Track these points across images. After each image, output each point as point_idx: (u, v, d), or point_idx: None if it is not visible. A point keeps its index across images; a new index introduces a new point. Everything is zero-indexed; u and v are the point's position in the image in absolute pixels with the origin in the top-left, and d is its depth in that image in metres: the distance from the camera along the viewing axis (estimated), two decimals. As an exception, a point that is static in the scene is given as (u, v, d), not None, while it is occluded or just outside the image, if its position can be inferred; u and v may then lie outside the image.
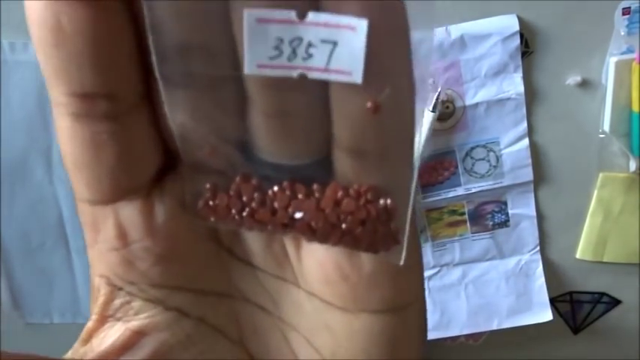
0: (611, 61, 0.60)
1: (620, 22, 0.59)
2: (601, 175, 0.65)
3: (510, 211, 0.67)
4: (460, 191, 0.66)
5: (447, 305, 0.71)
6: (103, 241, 0.19)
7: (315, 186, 0.17)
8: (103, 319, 0.19)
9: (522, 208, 0.67)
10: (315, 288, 0.19)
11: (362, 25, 0.14)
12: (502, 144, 0.64)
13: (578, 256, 0.69)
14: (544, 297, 0.70)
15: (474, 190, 0.66)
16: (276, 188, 0.17)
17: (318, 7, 0.15)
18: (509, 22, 0.59)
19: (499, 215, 0.67)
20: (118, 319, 0.19)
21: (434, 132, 0.62)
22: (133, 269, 0.19)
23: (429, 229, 0.68)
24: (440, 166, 0.65)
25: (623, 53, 0.60)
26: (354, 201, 0.17)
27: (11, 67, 0.62)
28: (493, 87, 0.61)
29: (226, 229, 0.19)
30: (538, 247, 0.68)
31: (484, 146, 0.64)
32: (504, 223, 0.67)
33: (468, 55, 0.60)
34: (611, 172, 0.65)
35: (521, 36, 0.59)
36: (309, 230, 0.18)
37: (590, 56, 0.61)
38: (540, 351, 0.75)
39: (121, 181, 0.18)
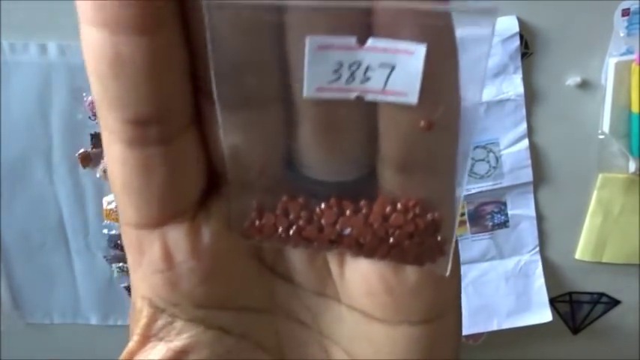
0: (611, 62, 0.60)
1: (620, 24, 0.59)
2: (600, 175, 0.65)
3: (510, 212, 0.67)
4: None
5: (447, 305, 0.71)
6: (148, 263, 0.19)
7: (362, 202, 0.18)
8: (145, 340, 0.20)
9: (522, 209, 0.67)
10: (358, 301, 0.20)
11: (420, 49, 0.15)
12: (502, 145, 0.64)
13: (577, 256, 0.69)
14: (544, 297, 0.70)
15: (473, 191, 0.66)
16: (323, 205, 0.18)
17: (376, 32, 0.15)
18: (509, 24, 0.59)
19: (499, 216, 0.67)
20: (160, 340, 0.20)
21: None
22: (177, 291, 0.19)
23: (428, 229, 0.68)
24: (440, 167, 0.65)
25: (622, 54, 0.60)
26: (403, 215, 0.17)
27: (11, 68, 0.62)
28: (493, 88, 0.61)
29: (270, 248, 0.20)
30: (538, 248, 0.68)
31: (484, 147, 0.64)
32: (504, 224, 0.68)
33: (468, 56, 0.60)
34: (610, 172, 0.65)
35: (521, 37, 0.59)
36: (357, 245, 0.18)
37: (590, 57, 0.61)
38: (540, 351, 0.75)
39: (170, 205, 0.18)
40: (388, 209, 0.17)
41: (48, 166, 0.66)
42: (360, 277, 0.19)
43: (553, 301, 0.72)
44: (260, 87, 0.16)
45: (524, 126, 0.63)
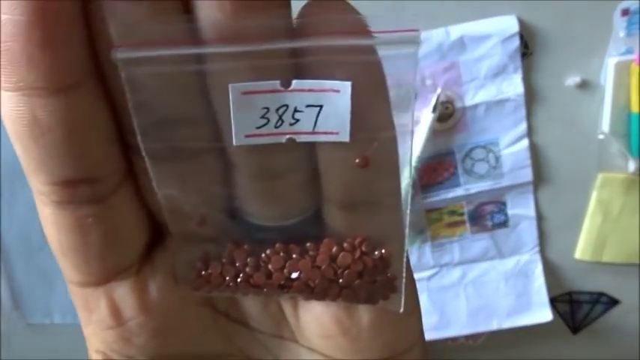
0: (611, 62, 0.60)
1: (620, 23, 0.59)
2: (600, 175, 0.65)
3: (510, 212, 0.67)
4: (460, 192, 0.66)
5: (447, 306, 0.71)
6: (97, 320, 0.18)
7: (308, 244, 0.17)
8: None
9: (522, 209, 0.67)
10: (315, 343, 0.19)
11: (346, 87, 0.15)
12: (501, 145, 0.64)
13: (577, 256, 0.69)
14: (544, 297, 0.70)
15: (473, 191, 0.66)
16: (269, 251, 0.17)
17: (302, 72, 0.15)
18: (508, 23, 0.59)
19: (498, 216, 0.67)
20: None
21: (434, 133, 0.62)
22: (130, 344, 0.19)
23: (428, 229, 0.68)
24: (439, 167, 0.65)
25: (622, 54, 0.60)
26: (350, 254, 0.17)
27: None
28: (493, 88, 0.61)
29: (221, 296, 0.19)
30: (537, 248, 0.68)
31: (484, 147, 0.64)
32: (504, 224, 0.68)
33: (468, 56, 0.60)
34: (610, 172, 0.65)
35: (521, 37, 0.60)
36: (307, 289, 0.18)
37: (590, 57, 0.61)
38: (539, 351, 0.75)
39: (111, 262, 0.18)
40: (335, 249, 0.17)
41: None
42: (314, 319, 0.19)
43: (553, 301, 0.72)
44: (189, 138, 0.16)
45: (524, 126, 0.63)
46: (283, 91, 0.15)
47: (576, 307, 0.73)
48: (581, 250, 0.69)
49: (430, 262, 0.70)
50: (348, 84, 0.15)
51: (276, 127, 0.15)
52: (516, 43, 0.59)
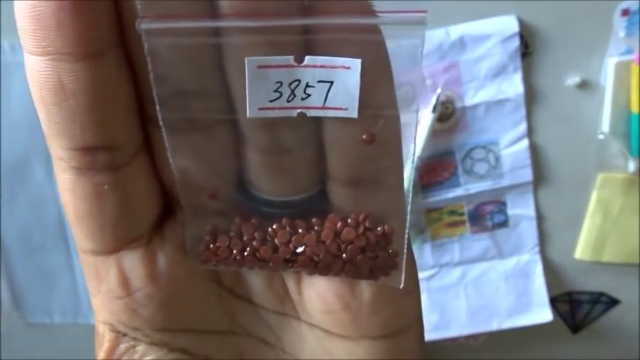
0: (611, 62, 0.60)
1: (619, 23, 0.59)
2: (600, 175, 0.65)
3: (510, 212, 0.67)
4: (460, 192, 0.66)
5: (447, 305, 0.72)
6: (106, 290, 0.19)
7: (313, 219, 0.18)
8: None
9: (522, 209, 0.67)
10: (317, 319, 0.20)
11: (356, 64, 0.15)
12: (501, 145, 0.64)
13: (577, 256, 0.69)
14: (544, 298, 0.70)
15: (473, 191, 0.66)
16: (275, 225, 0.18)
17: (313, 49, 0.16)
18: (508, 23, 0.59)
19: (498, 215, 0.67)
20: None
21: (434, 133, 0.62)
22: (137, 316, 0.19)
23: (428, 229, 0.68)
24: (439, 167, 0.65)
25: (622, 54, 0.60)
26: (354, 229, 0.18)
27: (12, 68, 0.62)
28: (492, 88, 0.61)
29: (227, 271, 0.20)
30: (537, 248, 0.69)
31: (483, 147, 0.64)
32: (504, 224, 0.68)
33: (468, 56, 0.60)
34: (610, 172, 0.65)
35: (521, 37, 0.60)
36: (312, 263, 0.18)
37: (590, 57, 0.61)
38: (539, 351, 0.75)
39: (123, 231, 0.18)
40: (339, 225, 0.18)
41: (48, 167, 0.66)
42: (317, 295, 0.20)
43: (553, 301, 0.72)
44: (204, 110, 0.16)
45: (523, 126, 0.63)
46: (296, 67, 0.15)
47: (576, 307, 0.73)
48: (581, 250, 0.69)
49: (430, 262, 0.70)
50: (359, 61, 0.15)
51: (288, 101, 0.16)
52: (516, 43, 0.59)
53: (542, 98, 0.62)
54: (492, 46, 0.60)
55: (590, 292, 0.72)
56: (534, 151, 0.64)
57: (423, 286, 0.70)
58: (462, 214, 0.68)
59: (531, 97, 0.62)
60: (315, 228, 0.18)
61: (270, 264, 0.18)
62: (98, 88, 0.16)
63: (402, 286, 0.19)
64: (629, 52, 0.60)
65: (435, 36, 0.60)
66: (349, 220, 0.18)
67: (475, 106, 0.62)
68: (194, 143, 0.17)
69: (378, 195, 0.18)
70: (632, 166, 0.63)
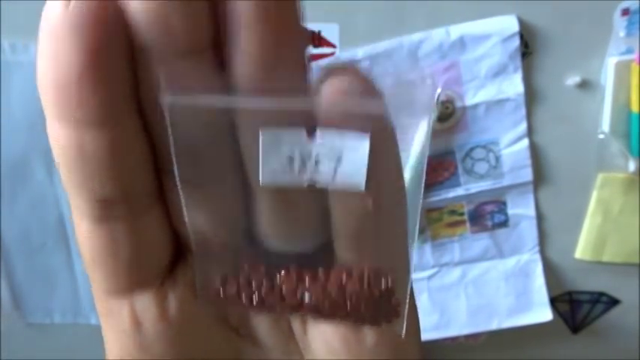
0: (611, 61, 0.60)
1: (620, 23, 0.59)
2: (600, 175, 0.65)
3: (510, 211, 0.67)
4: (460, 191, 0.66)
5: (447, 305, 0.72)
6: (118, 328, 0.20)
7: (320, 270, 0.19)
8: None
9: (522, 208, 0.67)
10: (312, 354, 0.21)
11: (364, 141, 0.16)
12: (502, 144, 0.64)
13: (577, 255, 0.69)
14: (544, 297, 0.70)
15: (473, 191, 0.66)
16: (283, 273, 0.19)
17: (322, 125, 0.17)
18: (508, 23, 0.59)
19: (499, 215, 0.67)
20: None
21: (434, 132, 0.62)
22: (147, 352, 0.20)
23: (428, 229, 0.68)
24: (440, 167, 0.65)
25: (622, 54, 0.60)
26: (358, 283, 0.19)
27: (12, 68, 0.62)
28: (493, 88, 0.61)
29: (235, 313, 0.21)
30: (537, 247, 0.69)
31: (484, 147, 0.64)
32: (504, 223, 0.68)
33: (468, 56, 0.60)
34: (610, 172, 0.65)
35: (521, 37, 0.60)
36: (317, 311, 0.19)
37: (590, 57, 0.61)
38: (539, 351, 0.75)
39: (136, 275, 0.19)
40: (344, 278, 0.19)
41: (48, 167, 0.66)
42: (321, 338, 0.21)
43: (553, 301, 0.72)
44: (218, 169, 0.18)
45: (524, 125, 0.63)
46: (307, 142, 0.17)
47: (576, 307, 0.73)
48: (582, 250, 0.69)
49: (430, 262, 0.70)
50: (367, 138, 0.16)
51: (299, 173, 0.17)
52: (516, 42, 0.59)
53: (543, 98, 0.62)
54: (492, 46, 0.60)
55: (590, 292, 0.72)
56: (534, 150, 0.64)
57: (423, 285, 0.70)
58: (462, 214, 0.68)
59: (531, 96, 0.62)
60: (321, 279, 0.19)
61: (277, 309, 0.19)
62: (116, 150, 0.17)
63: (403, 334, 0.20)
64: (629, 51, 0.60)
65: (435, 36, 0.60)
66: (354, 273, 0.19)
67: (475, 106, 0.62)
68: (207, 197, 0.18)
69: (381, 249, 0.19)
70: (632, 165, 0.63)
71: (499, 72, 0.61)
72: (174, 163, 0.17)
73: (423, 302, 0.71)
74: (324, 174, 0.17)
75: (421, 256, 0.69)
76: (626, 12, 0.58)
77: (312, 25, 0.60)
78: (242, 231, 0.19)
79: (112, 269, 0.19)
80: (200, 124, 0.17)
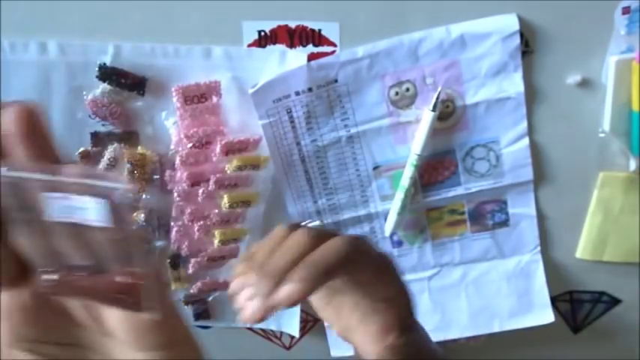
0: (611, 60, 0.60)
1: (620, 22, 0.59)
2: (601, 174, 0.65)
3: (510, 211, 0.67)
4: (460, 190, 0.66)
5: (448, 306, 0.71)
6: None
7: (93, 275, 0.29)
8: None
9: (522, 208, 0.67)
10: (118, 335, 0.32)
11: (104, 200, 0.27)
12: (502, 143, 0.64)
13: (578, 255, 0.69)
14: (545, 298, 0.70)
15: (473, 190, 0.66)
16: (75, 275, 0.29)
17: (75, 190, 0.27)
18: (509, 22, 0.59)
19: (499, 214, 0.67)
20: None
21: (434, 131, 0.62)
22: (11, 334, 0.31)
23: (428, 228, 0.68)
24: (440, 166, 0.65)
25: (622, 52, 0.60)
26: (123, 285, 0.29)
27: (12, 67, 0.62)
28: (493, 86, 0.61)
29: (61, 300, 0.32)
30: (538, 247, 0.68)
31: (484, 145, 0.64)
32: (504, 223, 0.67)
33: (468, 55, 0.60)
34: (611, 171, 0.65)
35: (522, 36, 0.59)
36: (94, 298, 0.30)
37: (590, 55, 0.61)
38: (540, 350, 0.75)
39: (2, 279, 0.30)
40: (108, 281, 0.29)
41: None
42: (115, 320, 0.31)
43: (553, 300, 0.72)
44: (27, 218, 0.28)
45: (524, 124, 0.63)
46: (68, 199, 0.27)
47: (577, 307, 0.73)
48: (582, 249, 0.69)
49: (431, 262, 0.70)
50: (102, 201, 0.27)
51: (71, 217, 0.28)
52: (517, 41, 0.59)
53: (543, 97, 0.62)
54: (493, 45, 0.59)
55: (591, 291, 0.72)
56: (535, 149, 0.64)
57: (423, 285, 0.70)
58: (462, 213, 0.67)
59: (532, 95, 0.62)
60: (96, 280, 0.30)
61: (76, 295, 0.30)
62: None
63: (159, 317, 0.31)
64: (629, 50, 0.59)
65: (435, 34, 0.59)
66: (118, 279, 0.29)
67: (476, 105, 0.62)
68: (27, 233, 0.28)
69: (133, 263, 0.29)
70: (633, 164, 0.63)
71: (499, 71, 0.60)
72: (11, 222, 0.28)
73: (423, 302, 0.71)
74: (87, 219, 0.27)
75: (421, 255, 0.69)
76: (626, 10, 0.58)
77: (312, 24, 0.60)
78: (56, 258, 0.29)
79: None
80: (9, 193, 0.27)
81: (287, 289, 0.39)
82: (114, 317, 0.31)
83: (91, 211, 0.27)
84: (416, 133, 0.62)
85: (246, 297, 0.42)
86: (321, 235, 0.43)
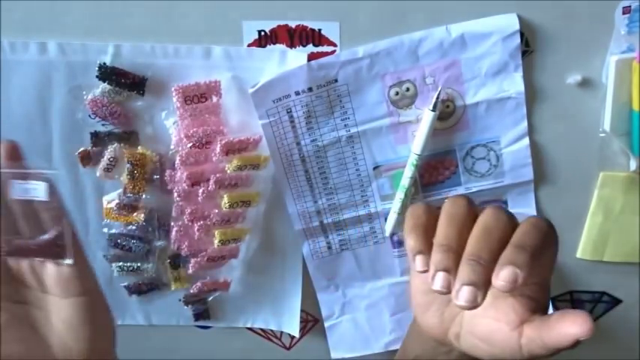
0: (612, 60, 0.60)
1: (621, 21, 0.59)
2: (601, 174, 0.65)
3: (510, 210, 0.67)
4: (460, 190, 0.66)
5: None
6: None
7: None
8: None
9: (522, 207, 0.67)
10: (50, 289, 0.48)
11: (41, 182, 0.46)
12: (502, 143, 0.63)
13: (578, 255, 0.69)
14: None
15: (474, 190, 0.66)
16: (15, 242, 0.46)
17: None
18: (509, 21, 0.59)
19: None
20: None
21: (434, 131, 0.62)
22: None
23: (429, 228, 0.68)
24: (440, 166, 0.65)
25: (623, 52, 0.60)
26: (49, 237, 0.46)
27: (11, 67, 0.62)
28: (493, 86, 0.61)
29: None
30: (538, 247, 0.68)
31: (484, 145, 0.64)
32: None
33: (469, 54, 0.60)
34: (611, 171, 0.65)
35: (522, 35, 0.59)
36: (34, 255, 0.47)
37: (591, 55, 0.61)
38: (541, 350, 0.75)
39: None
40: (42, 240, 0.46)
41: (48, 165, 0.66)
42: (50, 276, 0.47)
43: (554, 300, 0.72)
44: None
45: (524, 124, 0.63)
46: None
47: (577, 307, 0.73)
48: (582, 249, 0.69)
49: (431, 262, 0.70)
50: (43, 184, 0.45)
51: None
52: (517, 41, 0.59)
53: (544, 96, 0.62)
54: (493, 44, 0.59)
55: (591, 291, 0.72)
56: (535, 149, 0.64)
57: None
58: (462, 213, 0.67)
59: (533, 95, 0.62)
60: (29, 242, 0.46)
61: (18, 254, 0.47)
62: None
63: (71, 262, 0.46)
64: (630, 49, 0.59)
65: (435, 34, 0.59)
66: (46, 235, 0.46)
67: (476, 105, 0.62)
68: None
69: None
70: (633, 164, 0.63)
71: (500, 70, 0.60)
72: None
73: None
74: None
75: (422, 255, 0.69)
76: (627, 10, 0.58)
77: (312, 24, 0.60)
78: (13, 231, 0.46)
79: None
80: None
81: (509, 274, 0.38)
82: (48, 274, 0.47)
83: (37, 190, 0.44)
84: (416, 133, 0.62)
85: (444, 280, 0.41)
86: (512, 216, 0.43)
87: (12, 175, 0.45)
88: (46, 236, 0.46)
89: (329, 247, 0.69)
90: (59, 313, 0.47)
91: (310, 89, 0.61)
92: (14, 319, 0.47)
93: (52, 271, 0.46)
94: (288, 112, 0.62)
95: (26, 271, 0.47)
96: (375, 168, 0.65)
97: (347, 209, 0.67)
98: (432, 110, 0.61)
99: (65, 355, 0.47)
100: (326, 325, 0.73)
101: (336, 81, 0.61)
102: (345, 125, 0.63)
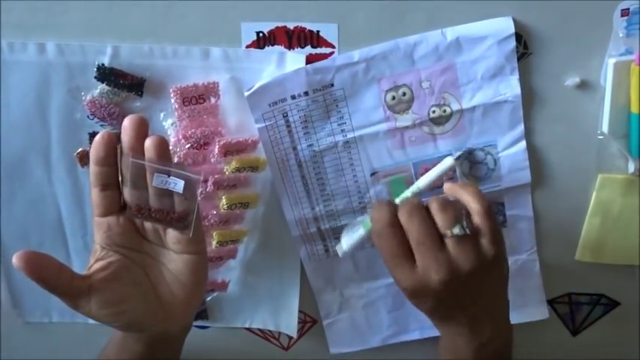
0: (610, 62, 0.60)
1: (619, 24, 0.59)
2: (600, 176, 0.65)
3: (508, 212, 0.67)
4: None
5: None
6: (99, 229, 0.55)
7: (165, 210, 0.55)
8: (95, 258, 0.54)
9: (519, 209, 0.67)
10: (170, 246, 0.56)
11: (181, 182, 0.54)
12: (499, 147, 0.63)
13: (576, 257, 0.69)
14: (541, 295, 0.70)
15: (471, 192, 0.65)
16: (152, 208, 0.55)
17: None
18: (504, 25, 0.59)
19: (496, 216, 0.67)
20: (102, 259, 0.54)
21: (432, 136, 0.62)
22: (109, 238, 0.55)
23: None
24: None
25: (621, 54, 0.60)
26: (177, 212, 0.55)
27: (10, 67, 0.62)
28: (490, 90, 0.61)
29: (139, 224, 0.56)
30: (535, 247, 0.68)
31: (482, 149, 0.64)
32: (502, 224, 0.67)
33: (464, 58, 0.60)
34: (609, 173, 0.65)
35: (520, 37, 0.59)
36: (161, 223, 0.55)
37: (589, 57, 0.60)
38: (539, 352, 0.75)
39: (109, 210, 0.55)
40: (171, 214, 0.55)
41: (46, 166, 0.66)
42: (170, 237, 0.56)
43: (552, 302, 0.72)
44: (141, 183, 0.54)
45: (521, 127, 0.63)
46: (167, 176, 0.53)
47: (576, 309, 0.73)
48: (581, 252, 0.69)
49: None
50: (182, 182, 0.53)
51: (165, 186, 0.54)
52: (512, 44, 0.59)
53: (542, 99, 0.62)
54: (488, 48, 0.59)
55: (589, 293, 0.72)
56: (533, 151, 0.64)
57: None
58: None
59: (531, 97, 0.62)
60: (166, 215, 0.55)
61: (151, 220, 0.55)
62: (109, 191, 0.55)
63: (191, 235, 0.55)
64: (628, 52, 0.59)
65: (430, 38, 0.59)
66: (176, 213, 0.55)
67: (472, 109, 0.62)
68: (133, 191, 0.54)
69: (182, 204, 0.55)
70: (631, 166, 0.63)
71: (496, 74, 0.60)
72: (129, 182, 0.53)
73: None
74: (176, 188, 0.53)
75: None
76: (625, 12, 0.58)
77: (311, 25, 0.60)
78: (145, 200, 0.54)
79: (102, 206, 0.54)
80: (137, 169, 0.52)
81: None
82: (170, 236, 0.56)
83: (176, 185, 0.53)
84: (429, 172, 0.62)
85: None
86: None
87: (156, 170, 0.52)
88: (175, 214, 0.54)
89: (326, 251, 0.69)
90: (172, 265, 0.56)
91: (306, 93, 0.61)
92: (133, 263, 0.55)
93: (173, 234, 0.55)
94: (284, 117, 0.62)
95: (149, 229, 0.56)
96: (372, 174, 0.65)
97: (345, 215, 0.67)
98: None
99: (169, 299, 0.56)
100: (324, 323, 0.73)
101: (332, 85, 0.61)
102: (342, 130, 0.63)
